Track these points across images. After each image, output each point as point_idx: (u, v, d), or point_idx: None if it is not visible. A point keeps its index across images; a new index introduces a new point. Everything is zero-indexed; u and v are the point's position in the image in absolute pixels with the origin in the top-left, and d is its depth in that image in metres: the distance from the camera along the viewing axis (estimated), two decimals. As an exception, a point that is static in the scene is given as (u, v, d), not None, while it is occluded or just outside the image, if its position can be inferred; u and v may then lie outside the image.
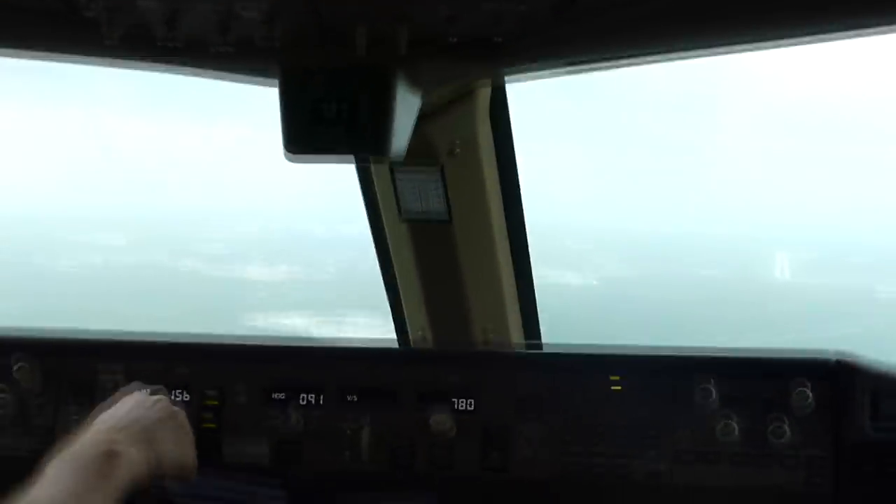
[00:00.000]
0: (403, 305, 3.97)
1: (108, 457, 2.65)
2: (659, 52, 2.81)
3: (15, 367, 3.52)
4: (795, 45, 2.65)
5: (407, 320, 4.01)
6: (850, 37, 2.53)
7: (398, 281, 3.92)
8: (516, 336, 3.97)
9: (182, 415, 2.98)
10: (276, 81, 2.74)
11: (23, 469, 3.46)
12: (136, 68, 2.97)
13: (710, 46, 2.71)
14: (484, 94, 3.37)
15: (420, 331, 3.97)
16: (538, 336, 4.10)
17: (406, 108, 2.73)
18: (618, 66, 2.98)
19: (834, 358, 3.31)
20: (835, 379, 3.26)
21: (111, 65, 2.99)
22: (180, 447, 2.93)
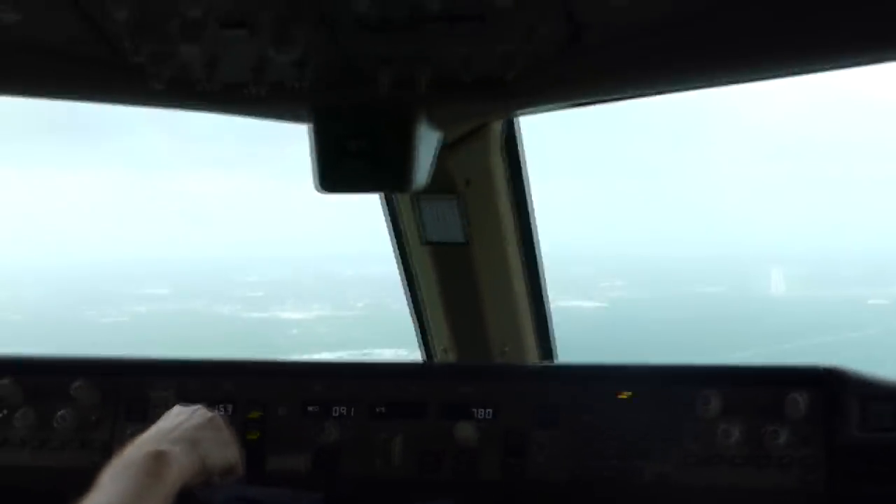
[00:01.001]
0: (427, 323, 4.09)
1: (156, 458, 2.66)
2: (660, 88, 2.91)
3: (74, 387, 3.60)
4: (792, 76, 2.74)
5: (431, 338, 4.13)
6: (842, 67, 2.60)
7: (422, 301, 4.03)
8: (532, 354, 4.08)
9: (219, 418, 3.02)
10: (307, 121, 2.81)
11: (82, 482, 3.59)
12: (178, 109, 3.05)
13: (708, 81, 2.81)
14: (498, 128, 3.46)
15: (443, 347, 4.09)
16: (552, 353, 4.15)
17: (427, 143, 2.80)
18: (621, 100, 3.09)
19: (824, 367, 3.34)
20: (825, 386, 3.28)
21: (154, 107, 3.09)
22: (222, 447, 2.97)
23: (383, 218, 3.81)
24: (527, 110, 3.15)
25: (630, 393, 3.36)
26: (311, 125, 2.79)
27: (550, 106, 3.02)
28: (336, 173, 2.79)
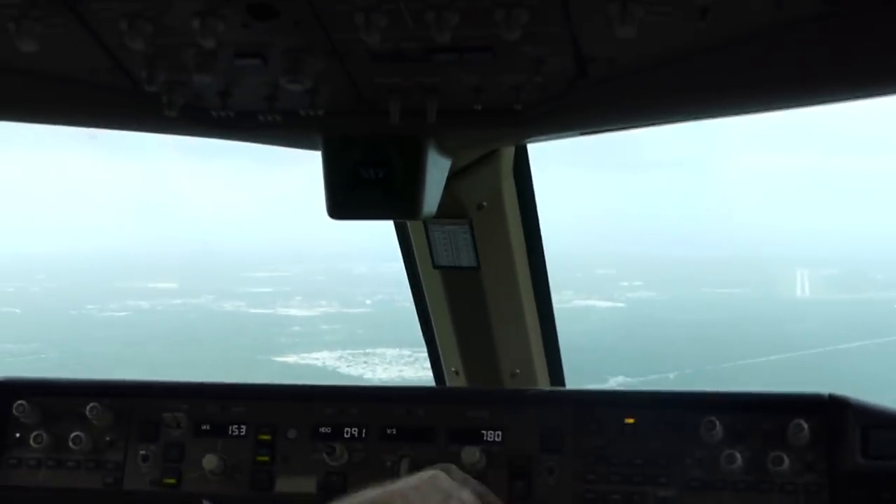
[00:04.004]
0: (438, 345, 4.18)
1: None
2: (666, 119, 2.99)
3: (88, 408, 3.70)
4: (793, 108, 2.81)
5: (442, 359, 4.21)
6: (840, 101, 2.68)
7: (433, 324, 4.12)
8: (542, 377, 4.17)
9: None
10: (318, 149, 2.90)
11: (97, 500, 3.69)
12: (192, 136, 3.14)
13: (711, 113, 2.89)
14: (507, 154, 3.55)
15: (454, 369, 4.18)
16: (561, 376, 4.27)
17: (436, 171, 2.90)
18: (629, 129, 3.16)
19: (827, 395, 3.43)
20: (828, 414, 3.36)
21: (169, 134, 3.17)
22: None
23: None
24: (535, 139, 3.23)
25: (635, 418, 3.45)
26: (322, 153, 2.89)
27: (559, 135, 3.10)
28: (347, 200, 2.89)
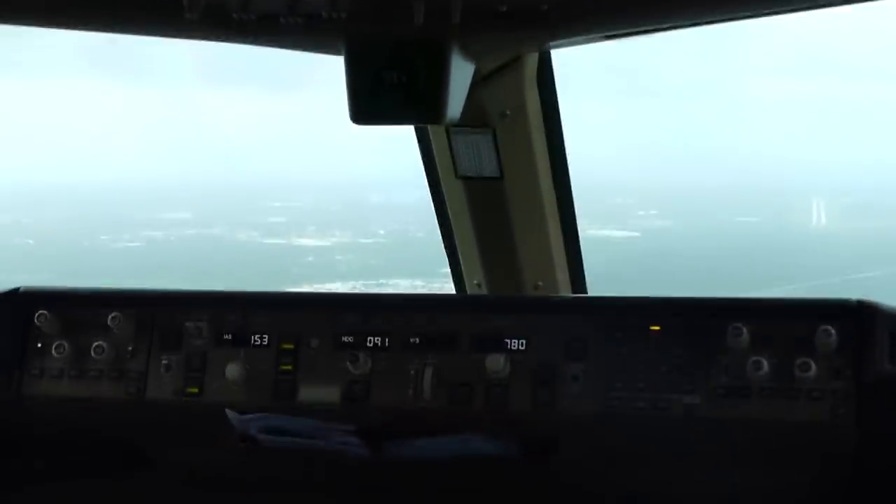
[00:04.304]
0: (460, 258, 4.18)
1: None
2: (694, 17, 2.95)
3: (110, 318, 3.74)
4: (828, 6, 2.77)
5: (463, 272, 4.22)
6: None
7: (455, 236, 4.13)
8: (564, 288, 4.17)
9: None
10: (341, 54, 2.90)
11: (118, 412, 3.74)
12: (213, 41, 3.12)
13: (741, 11, 2.85)
14: (531, 61, 3.52)
15: (476, 282, 4.19)
16: (584, 288, 4.28)
17: (460, 76, 2.89)
18: (654, 32, 3.12)
19: (855, 301, 3.42)
20: (856, 320, 3.36)
21: (189, 39, 3.15)
22: None
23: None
24: (560, 42, 3.20)
25: (660, 326, 3.46)
26: (345, 57, 2.87)
27: (584, 37, 3.07)
28: (369, 105, 2.89)
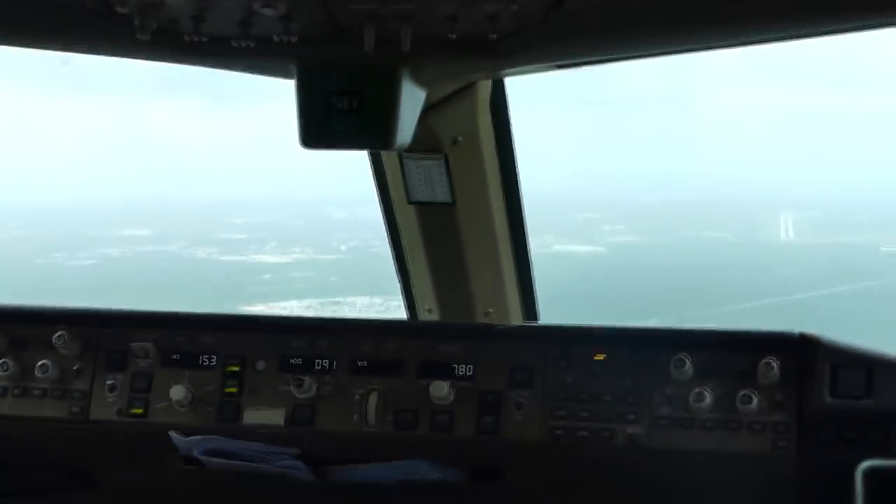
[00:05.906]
0: (413, 283, 4.23)
1: None
2: (642, 51, 3.01)
3: (55, 337, 3.73)
4: (771, 42, 2.83)
5: (416, 297, 4.26)
6: (827, 34, 2.69)
7: (407, 261, 4.17)
8: (516, 315, 4.23)
9: None
10: (293, 77, 2.95)
11: (62, 431, 3.74)
12: (164, 62, 3.14)
13: (692, 46, 2.91)
14: (484, 88, 3.59)
15: (427, 308, 4.23)
16: (535, 314, 4.36)
17: (411, 102, 2.94)
18: (605, 63, 3.19)
19: (797, 333, 3.52)
20: (798, 353, 3.47)
21: (141, 59, 3.17)
22: None
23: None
24: (510, 70, 3.26)
25: (605, 355, 3.54)
26: (296, 81, 2.91)
27: (534, 67, 3.12)
28: (320, 129, 2.94)
